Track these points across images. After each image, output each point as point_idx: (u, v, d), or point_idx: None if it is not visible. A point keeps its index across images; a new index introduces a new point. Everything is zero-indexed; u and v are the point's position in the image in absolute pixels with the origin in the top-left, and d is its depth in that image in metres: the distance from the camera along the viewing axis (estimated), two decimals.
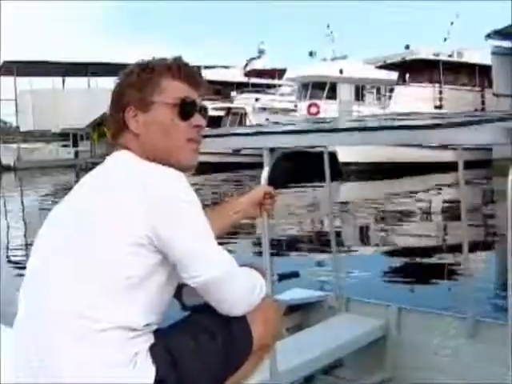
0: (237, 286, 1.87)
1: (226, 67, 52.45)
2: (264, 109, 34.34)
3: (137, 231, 1.73)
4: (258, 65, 51.78)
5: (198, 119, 2.00)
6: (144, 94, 1.94)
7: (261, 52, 53.32)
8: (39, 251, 1.86)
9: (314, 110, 30.00)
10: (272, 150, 2.69)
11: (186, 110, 1.96)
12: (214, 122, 34.99)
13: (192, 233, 1.79)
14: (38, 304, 1.77)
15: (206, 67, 52.61)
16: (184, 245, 1.77)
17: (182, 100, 1.95)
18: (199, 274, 1.78)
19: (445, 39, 36.58)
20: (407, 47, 33.55)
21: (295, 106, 33.55)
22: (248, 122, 32.98)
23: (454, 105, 28.93)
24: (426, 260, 9.99)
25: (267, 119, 24.63)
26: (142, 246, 1.74)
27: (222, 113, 37.25)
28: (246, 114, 34.50)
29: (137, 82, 1.95)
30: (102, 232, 1.75)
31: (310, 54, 39.44)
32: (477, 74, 33.47)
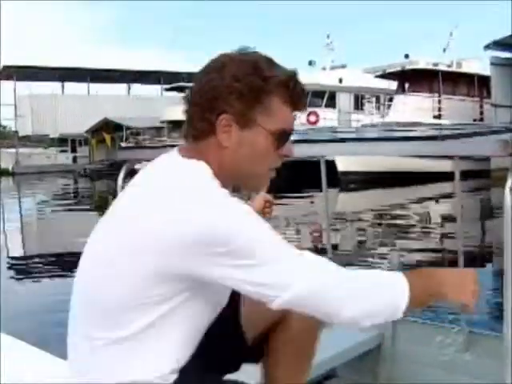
0: (331, 280, 1.60)
1: None
2: None
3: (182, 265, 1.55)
4: None
5: (288, 148, 1.77)
6: (248, 110, 1.66)
7: None
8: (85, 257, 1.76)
9: (313, 118, 30.03)
10: None
11: (284, 140, 1.73)
12: None
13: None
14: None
15: None
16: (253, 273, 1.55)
17: (284, 131, 1.72)
18: (283, 292, 1.56)
19: (444, 49, 36.70)
20: (407, 56, 33.60)
21: (294, 114, 33.55)
22: None
23: (453, 115, 28.97)
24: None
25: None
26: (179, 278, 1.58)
27: None
28: None
29: (242, 91, 1.64)
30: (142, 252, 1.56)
31: (310, 62, 39.54)
32: (475, 85, 33.52)
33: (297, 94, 1.72)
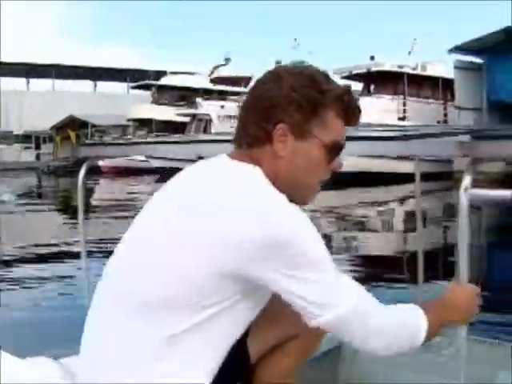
0: (369, 319, 1.64)
1: (191, 73, 52.50)
2: (229, 116, 34.38)
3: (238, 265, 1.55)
4: (223, 72, 51.85)
5: (337, 162, 1.78)
6: (304, 121, 1.68)
7: (227, 60, 53.37)
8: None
9: None
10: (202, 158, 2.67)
11: (336, 153, 1.75)
12: (179, 128, 34.96)
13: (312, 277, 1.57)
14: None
15: (172, 73, 52.77)
16: (302, 286, 1.57)
17: (337, 144, 1.74)
18: (325, 312, 1.59)
19: (409, 52, 37.14)
20: (372, 58, 33.90)
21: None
22: (213, 129, 32.99)
23: (418, 117, 29.29)
24: (379, 271, 10.03)
25: (232, 127, 24.69)
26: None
27: (187, 119, 37.22)
28: (211, 120, 34.51)
29: (300, 102, 1.66)
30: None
31: (277, 62, 39.62)
32: (440, 87, 33.97)
33: (351, 109, 1.75)
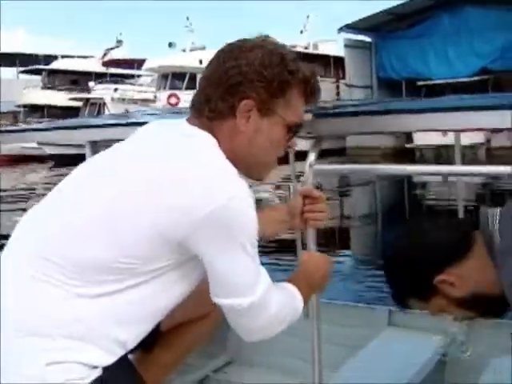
0: (261, 318, 1.68)
1: (83, 57, 51.26)
2: (123, 99, 33.91)
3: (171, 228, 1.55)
4: (116, 55, 50.92)
5: (293, 140, 1.83)
6: (270, 99, 1.69)
7: (119, 42, 52.42)
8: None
9: (173, 100, 29.99)
10: (95, 143, 2.66)
11: (295, 132, 1.80)
12: (72, 113, 34.17)
13: (236, 261, 1.59)
14: None
15: (64, 57, 51.37)
16: (221, 266, 1.60)
17: (298, 123, 1.78)
18: (225, 297, 1.63)
19: (301, 31, 37.65)
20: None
21: (155, 96, 33.39)
22: (107, 113, 32.45)
23: None
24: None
25: (126, 110, 24.40)
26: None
27: (80, 103, 36.43)
28: (104, 104, 33.92)
29: (269, 80, 1.67)
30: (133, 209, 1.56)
31: (170, 44, 39.43)
32: (332, 66, 34.58)
33: (314, 91, 1.79)
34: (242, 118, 1.69)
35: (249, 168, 1.74)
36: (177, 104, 29.53)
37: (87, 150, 2.67)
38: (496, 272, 1.70)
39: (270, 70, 1.67)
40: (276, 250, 7.93)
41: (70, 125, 3.19)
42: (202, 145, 1.65)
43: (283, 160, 1.91)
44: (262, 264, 1.69)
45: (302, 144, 2.02)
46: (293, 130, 1.78)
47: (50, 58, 51.04)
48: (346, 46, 29.59)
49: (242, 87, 1.67)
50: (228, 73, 1.68)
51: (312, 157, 2.10)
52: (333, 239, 10.79)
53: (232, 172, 1.61)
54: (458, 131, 3.09)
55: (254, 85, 1.67)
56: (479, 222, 1.78)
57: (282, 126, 1.74)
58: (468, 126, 2.05)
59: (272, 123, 1.72)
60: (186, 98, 29.92)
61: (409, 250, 1.82)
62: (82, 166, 1.79)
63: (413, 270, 1.80)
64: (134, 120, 2.91)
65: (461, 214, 3.34)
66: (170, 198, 1.53)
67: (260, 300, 1.63)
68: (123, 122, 2.84)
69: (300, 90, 1.75)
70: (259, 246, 1.66)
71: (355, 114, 2.21)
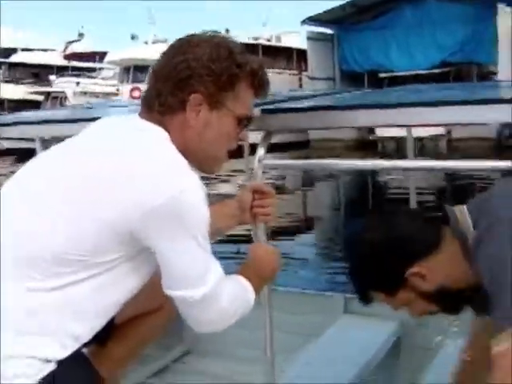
0: (212, 310, 1.68)
1: (44, 50, 50.68)
2: (85, 93, 33.61)
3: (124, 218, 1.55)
4: (78, 48, 50.44)
5: (243, 133, 1.86)
6: (219, 92, 1.71)
7: (80, 35, 51.96)
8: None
9: (136, 93, 29.75)
10: (45, 140, 2.66)
11: (246, 125, 1.82)
12: (33, 106, 33.76)
13: (187, 252, 1.60)
14: None
15: (24, 50, 50.70)
16: (172, 258, 1.61)
17: (248, 116, 1.81)
18: (177, 289, 1.63)
19: (264, 24, 37.70)
20: (227, 31, 34.05)
21: (117, 89, 33.17)
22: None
23: (272, 87, 29.69)
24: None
25: (88, 103, 24.21)
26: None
27: (41, 97, 36.02)
28: (66, 98, 33.59)
29: (218, 74, 1.69)
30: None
31: (132, 37, 39.19)
32: (294, 58, 34.70)
33: (263, 83, 1.81)
34: (192, 112, 1.71)
35: (200, 161, 1.76)
36: (140, 97, 29.29)
37: (37, 145, 2.67)
38: (467, 265, 1.74)
39: (218, 64, 1.69)
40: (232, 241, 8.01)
41: (21, 120, 3.15)
42: (154, 139, 1.67)
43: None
44: (216, 255, 1.69)
45: (258, 138, 2.03)
46: (243, 122, 1.80)
47: (9, 51, 50.34)
48: (308, 38, 29.65)
49: (191, 81, 1.69)
50: (177, 68, 1.69)
51: (261, 151, 2.11)
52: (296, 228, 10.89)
53: (183, 165, 1.62)
54: (410, 126, 3.14)
55: (203, 79, 1.69)
56: (446, 218, 1.81)
57: (231, 119, 1.76)
58: (419, 122, 2.06)
59: (221, 116, 1.74)
60: None
61: (379, 243, 1.83)
62: (31, 162, 1.78)
63: (384, 262, 1.81)
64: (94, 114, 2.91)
65: (413, 205, 3.40)
66: (123, 192, 1.54)
67: (211, 292, 1.64)
68: (75, 117, 2.83)
69: (248, 83, 1.77)
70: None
71: (303, 109, 2.22)
